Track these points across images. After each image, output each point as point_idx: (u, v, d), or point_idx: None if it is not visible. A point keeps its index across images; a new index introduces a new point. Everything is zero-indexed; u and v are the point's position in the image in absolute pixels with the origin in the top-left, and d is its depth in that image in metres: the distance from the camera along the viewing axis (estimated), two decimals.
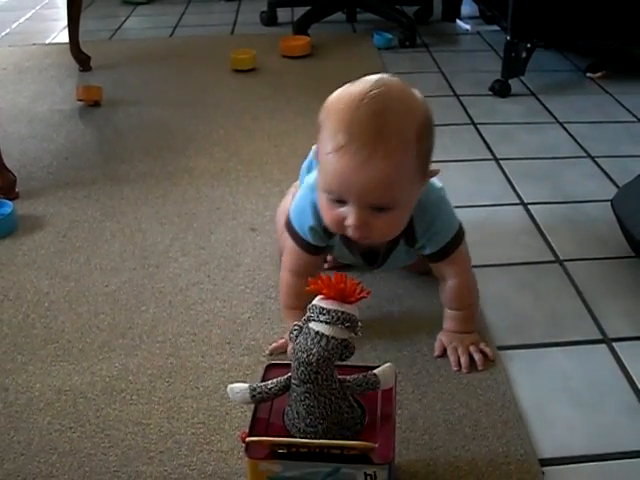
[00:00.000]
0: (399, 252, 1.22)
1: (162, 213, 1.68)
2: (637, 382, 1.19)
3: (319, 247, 1.22)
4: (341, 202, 1.04)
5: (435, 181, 1.18)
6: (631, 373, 1.21)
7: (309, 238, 1.19)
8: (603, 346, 1.27)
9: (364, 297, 0.85)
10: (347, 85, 1.05)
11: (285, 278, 1.27)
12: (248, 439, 0.84)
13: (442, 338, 1.24)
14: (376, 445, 0.82)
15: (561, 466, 1.04)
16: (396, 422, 0.92)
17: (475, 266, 1.45)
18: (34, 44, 3.07)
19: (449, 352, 1.22)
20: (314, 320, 0.84)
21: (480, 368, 1.20)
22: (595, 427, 1.10)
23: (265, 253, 1.51)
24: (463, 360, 1.20)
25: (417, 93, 1.06)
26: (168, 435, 1.08)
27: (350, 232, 1.06)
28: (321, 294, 0.85)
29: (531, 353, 1.26)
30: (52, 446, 1.06)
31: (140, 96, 2.41)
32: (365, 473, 0.83)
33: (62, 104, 2.34)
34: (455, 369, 1.19)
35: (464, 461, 1.03)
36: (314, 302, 0.86)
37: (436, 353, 1.23)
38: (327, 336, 0.83)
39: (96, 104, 2.31)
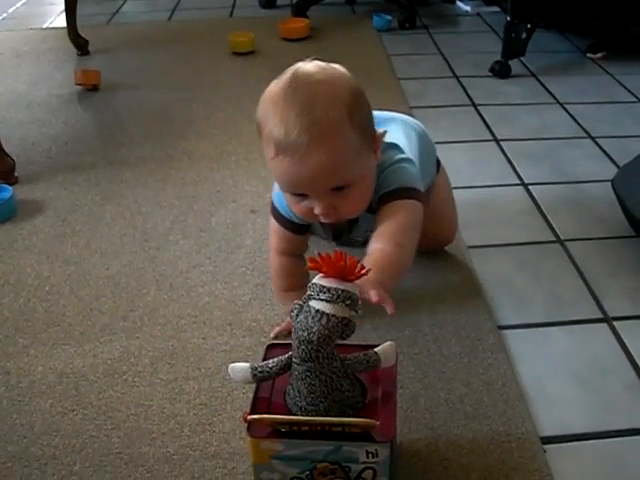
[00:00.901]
0: (361, 219, 1.18)
1: (162, 196, 1.68)
2: (637, 361, 1.19)
3: (303, 225, 1.22)
4: (303, 195, 1.06)
5: (397, 152, 1.15)
6: (631, 352, 1.21)
7: (293, 217, 1.19)
8: (604, 325, 1.27)
9: (364, 275, 0.85)
10: (271, 84, 1.05)
11: (274, 260, 1.28)
12: (250, 417, 0.85)
13: None
14: (377, 422, 0.82)
15: (562, 444, 1.04)
16: (397, 401, 0.93)
17: (476, 246, 1.47)
18: (31, 29, 3.06)
19: None
20: (314, 298, 0.84)
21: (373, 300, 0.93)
22: (596, 405, 1.11)
23: (265, 235, 1.50)
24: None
25: (338, 69, 1.06)
26: (170, 416, 1.08)
27: (322, 219, 1.08)
28: (321, 272, 0.85)
29: (532, 332, 1.26)
30: (54, 428, 1.06)
31: (139, 80, 2.40)
32: (367, 451, 0.83)
33: (60, 89, 2.33)
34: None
35: (465, 440, 1.03)
36: (314, 280, 0.86)
37: None
38: (328, 314, 0.82)
39: (94, 88, 2.30)
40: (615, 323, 1.28)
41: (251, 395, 0.96)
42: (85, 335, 1.25)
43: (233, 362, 1.14)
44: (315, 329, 0.82)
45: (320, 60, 1.07)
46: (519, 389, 1.12)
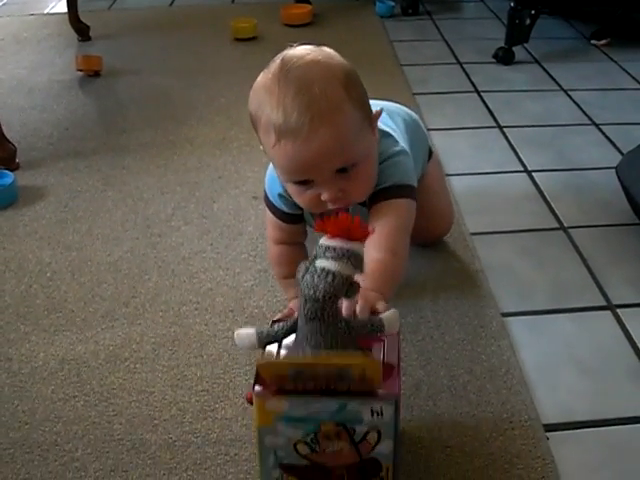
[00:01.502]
0: (354, 210, 1.13)
1: (164, 182, 1.67)
2: None
3: (294, 215, 1.19)
4: (308, 183, 1.02)
5: (392, 143, 1.14)
6: (635, 339, 1.21)
7: (283, 207, 1.18)
8: (607, 313, 1.27)
9: (369, 234, 0.84)
10: (260, 76, 1.04)
11: (272, 249, 1.26)
12: (258, 364, 0.83)
13: None
14: (379, 362, 0.83)
15: (565, 431, 1.04)
16: (401, 387, 0.92)
17: (479, 233, 1.46)
18: (32, 14, 3.04)
19: None
20: (320, 258, 0.84)
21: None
22: (599, 393, 1.11)
23: None
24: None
25: (329, 51, 1.04)
26: (172, 403, 1.08)
27: (330, 206, 1.04)
28: (327, 233, 0.85)
29: (535, 319, 1.26)
30: (56, 415, 1.06)
31: (140, 65, 2.39)
32: (372, 409, 0.81)
33: (61, 74, 2.32)
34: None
35: (468, 427, 1.03)
36: (320, 242, 0.85)
37: None
38: (333, 272, 0.81)
39: (96, 74, 2.29)
40: (619, 311, 1.27)
41: (252, 381, 0.96)
42: (87, 321, 1.25)
43: (235, 348, 1.15)
44: (321, 287, 0.81)
45: (304, 45, 1.05)
46: (522, 376, 1.12)
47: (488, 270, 1.36)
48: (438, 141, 1.77)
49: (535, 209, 1.57)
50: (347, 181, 1.02)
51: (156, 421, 1.05)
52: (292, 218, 1.20)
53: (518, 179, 1.69)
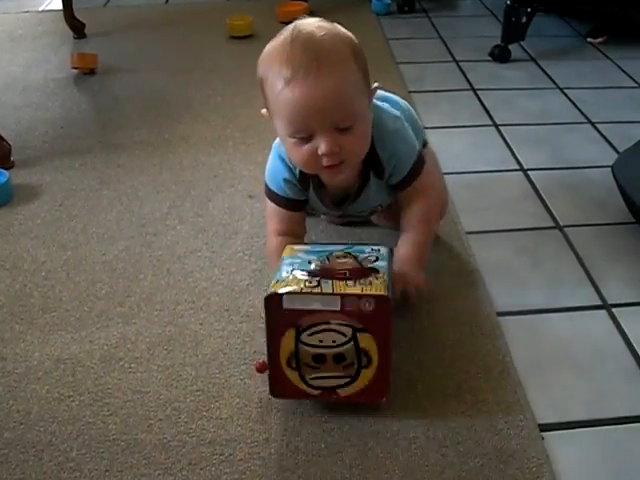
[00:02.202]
0: (370, 189, 1.24)
1: (159, 181, 1.67)
2: (636, 348, 1.19)
3: (298, 201, 1.25)
4: (307, 138, 1.08)
5: (390, 109, 1.23)
6: (630, 339, 1.21)
7: (288, 192, 1.23)
8: (603, 312, 1.27)
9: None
10: (270, 43, 1.11)
11: (272, 242, 1.27)
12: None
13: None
14: None
15: (560, 431, 1.04)
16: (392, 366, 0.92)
17: (474, 232, 1.46)
18: (27, 11, 3.03)
19: None
20: None
21: (411, 301, 1.19)
22: (594, 392, 1.11)
23: (263, 220, 1.49)
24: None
25: (335, 23, 1.12)
26: (167, 403, 1.08)
27: (325, 162, 1.09)
28: None
29: (531, 319, 1.26)
30: (51, 415, 1.06)
31: (136, 63, 2.38)
32: (372, 248, 1.08)
33: (57, 72, 2.31)
34: None
35: (464, 427, 1.03)
36: None
37: None
38: None
39: (91, 72, 2.28)
40: (614, 310, 1.27)
41: (248, 381, 1.00)
42: (81, 321, 1.25)
43: (230, 348, 1.16)
44: None
45: None
46: (517, 376, 1.12)
47: (483, 269, 1.36)
48: (434, 139, 1.76)
49: (531, 208, 1.57)
50: (344, 138, 1.08)
51: (151, 421, 1.04)
52: (295, 205, 1.25)
53: (514, 178, 1.69)
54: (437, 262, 1.36)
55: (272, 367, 1.02)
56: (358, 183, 1.24)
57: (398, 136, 1.20)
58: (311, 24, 1.09)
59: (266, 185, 1.26)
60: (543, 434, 1.03)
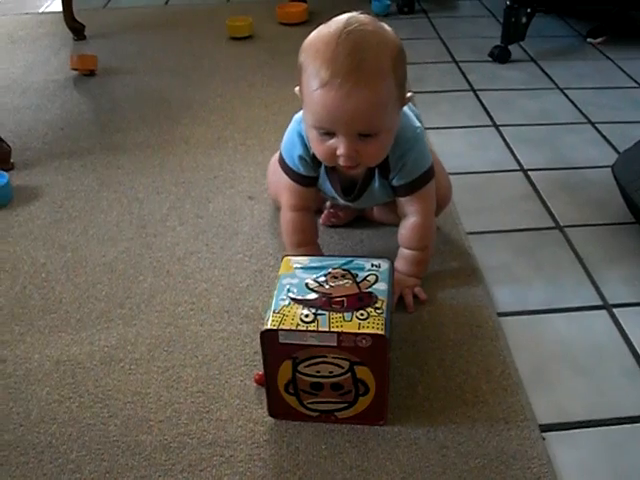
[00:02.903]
0: (374, 186, 1.27)
1: (159, 182, 1.67)
2: (637, 348, 1.19)
3: (310, 177, 1.27)
4: (330, 135, 1.10)
5: (414, 119, 1.25)
6: (631, 339, 1.21)
7: (300, 169, 1.25)
8: (603, 312, 1.27)
9: None
10: (321, 26, 1.11)
11: (287, 216, 1.31)
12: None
13: None
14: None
15: (561, 431, 1.04)
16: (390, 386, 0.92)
17: (475, 232, 1.46)
18: (27, 13, 3.03)
19: None
20: None
21: (409, 311, 1.24)
22: (595, 393, 1.10)
23: (263, 221, 1.50)
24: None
25: (387, 27, 1.13)
26: (167, 404, 1.07)
27: (341, 161, 1.12)
28: None
29: (531, 319, 1.25)
30: (51, 416, 1.06)
31: (136, 65, 2.38)
32: (372, 263, 1.07)
33: (56, 74, 2.31)
34: None
35: (464, 427, 1.03)
36: None
37: None
38: None
39: (91, 73, 2.28)
40: (615, 310, 1.27)
41: (248, 382, 1.00)
42: (82, 322, 1.24)
43: (230, 349, 1.15)
44: None
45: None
46: (518, 376, 1.12)
47: (484, 270, 1.36)
48: (434, 140, 1.77)
49: (531, 208, 1.57)
50: (364, 145, 1.10)
51: (151, 422, 1.04)
52: (307, 181, 1.27)
53: (514, 178, 1.69)
54: (438, 263, 1.36)
55: (270, 391, 1.01)
56: (363, 178, 1.26)
57: (412, 144, 1.21)
58: (363, 24, 1.08)
59: (281, 156, 1.28)
60: (544, 435, 1.02)
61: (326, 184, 1.29)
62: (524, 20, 2.37)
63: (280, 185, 1.33)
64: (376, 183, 1.26)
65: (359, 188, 1.27)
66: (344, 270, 1.06)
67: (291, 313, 0.97)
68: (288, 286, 1.02)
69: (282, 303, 0.99)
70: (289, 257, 1.10)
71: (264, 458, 0.98)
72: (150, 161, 1.76)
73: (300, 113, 1.21)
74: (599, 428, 1.05)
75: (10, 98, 2.14)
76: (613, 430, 1.04)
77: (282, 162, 1.28)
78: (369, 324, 0.95)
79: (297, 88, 1.14)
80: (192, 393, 1.09)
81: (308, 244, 1.31)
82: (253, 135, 1.87)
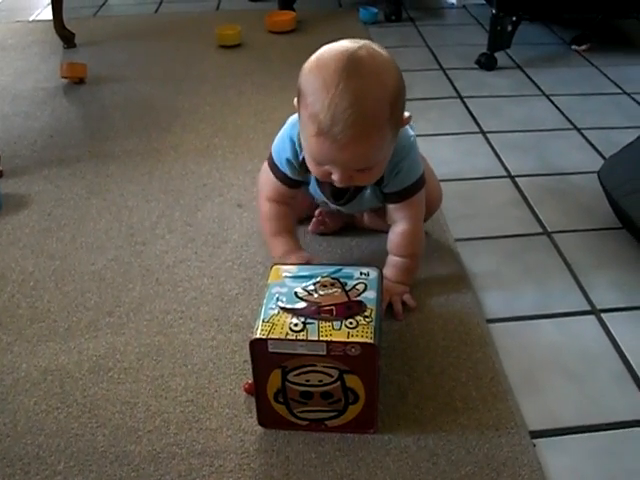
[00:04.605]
0: (365, 192, 1.28)
1: (148, 190, 1.66)
2: (626, 352, 1.19)
3: (296, 181, 1.28)
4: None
5: (409, 130, 1.25)
6: (620, 344, 1.21)
7: (287, 171, 1.26)
8: (592, 317, 1.27)
9: None
10: (323, 51, 1.10)
11: (265, 206, 1.33)
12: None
13: None
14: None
15: (552, 438, 1.04)
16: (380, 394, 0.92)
17: (463, 239, 1.47)
18: (17, 21, 3.02)
19: None
20: None
21: (398, 318, 1.24)
22: (585, 398, 1.11)
23: (252, 229, 1.50)
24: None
25: (388, 60, 1.10)
26: (156, 414, 1.07)
27: (336, 184, 1.14)
28: None
29: (520, 325, 1.26)
30: (39, 427, 1.05)
31: (125, 73, 2.37)
32: (361, 272, 1.08)
33: (46, 81, 2.31)
34: None
35: (455, 434, 1.03)
36: None
37: None
38: None
39: (81, 81, 2.28)
40: (603, 315, 1.28)
41: (238, 391, 1.00)
42: (70, 331, 1.24)
43: (220, 358, 1.15)
44: None
45: (369, 45, 1.10)
46: (508, 383, 1.12)
47: (472, 276, 1.36)
48: (422, 147, 1.75)
49: (519, 214, 1.58)
50: (359, 174, 1.13)
51: (140, 432, 1.04)
52: (292, 182, 1.28)
53: (502, 184, 1.70)
54: (426, 270, 1.36)
55: (260, 401, 1.01)
56: (355, 187, 1.26)
57: (407, 152, 1.22)
58: (366, 62, 1.06)
59: (270, 156, 1.29)
60: (534, 441, 1.03)
61: (316, 190, 1.29)
62: (510, 28, 2.38)
63: (263, 177, 1.33)
64: (367, 190, 1.27)
65: (350, 194, 1.28)
66: (333, 279, 1.06)
67: (280, 322, 0.97)
68: (277, 295, 1.02)
69: (271, 312, 0.99)
70: (278, 266, 1.10)
71: (254, 468, 0.98)
72: (139, 169, 1.76)
73: (295, 116, 1.20)
74: (589, 434, 1.05)
75: None
76: (603, 435, 1.05)
77: (270, 160, 1.29)
78: (358, 333, 0.95)
79: (295, 100, 1.13)
80: (181, 402, 1.09)
81: (283, 232, 1.32)
82: (242, 143, 1.87)
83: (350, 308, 1.00)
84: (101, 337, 1.22)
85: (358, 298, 1.02)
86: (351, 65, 1.04)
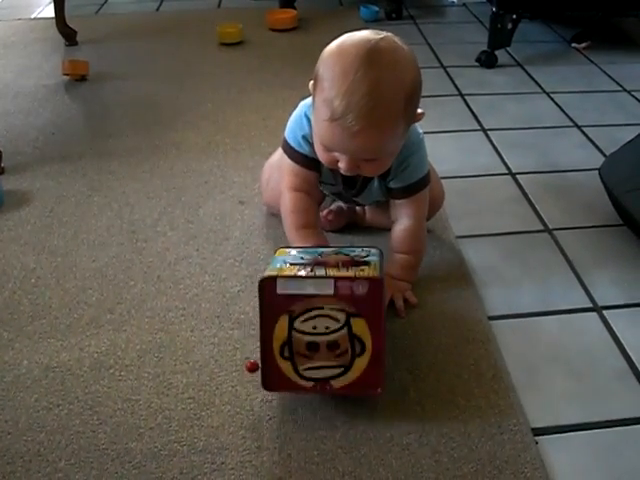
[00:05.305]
0: (373, 185, 1.29)
1: (150, 187, 1.66)
2: (628, 349, 1.19)
3: (314, 160, 1.25)
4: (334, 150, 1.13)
5: (418, 127, 1.26)
6: (621, 340, 1.21)
7: (305, 149, 1.25)
8: (593, 314, 1.27)
9: None
10: (345, 38, 1.11)
11: (288, 197, 1.30)
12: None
13: None
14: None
15: (554, 435, 1.04)
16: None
17: (464, 236, 1.47)
18: (19, 19, 3.02)
19: None
20: None
21: (400, 315, 1.24)
22: (587, 395, 1.11)
23: (254, 226, 1.50)
24: None
25: (408, 55, 1.11)
26: (158, 411, 1.07)
27: (342, 171, 1.15)
28: None
29: (522, 322, 1.26)
30: (40, 424, 1.05)
31: (127, 70, 2.37)
32: (362, 247, 1.11)
33: (48, 79, 2.31)
34: None
35: (457, 432, 1.02)
36: None
37: None
38: None
39: (82, 79, 2.27)
40: (605, 312, 1.28)
41: (240, 388, 0.99)
42: (71, 328, 1.24)
43: (221, 355, 1.15)
44: None
45: (391, 37, 1.11)
46: (510, 380, 1.12)
47: (474, 273, 1.36)
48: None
49: (520, 211, 1.58)
50: (366, 164, 1.13)
51: (141, 430, 1.04)
52: (311, 163, 1.26)
53: (502, 182, 1.70)
54: (428, 267, 1.36)
55: (265, 357, 1.01)
56: (362, 179, 1.27)
57: (416, 148, 1.24)
58: (386, 54, 1.06)
59: (285, 141, 1.29)
60: (537, 438, 1.02)
61: (327, 173, 1.29)
62: (510, 26, 2.39)
63: (281, 170, 1.33)
64: (375, 183, 1.28)
65: (361, 183, 1.29)
66: (334, 251, 1.11)
67: (288, 269, 1.01)
68: (284, 259, 1.06)
69: (279, 265, 1.03)
70: (283, 248, 1.14)
71: (256, 465, 0.98)
72: (141, 166, 1.76)
73: (309, 99, 1.21)
74: (592, 431, 1.05)
75: (1, 103, 2.14)
76: (606, 433, 1.05)
77: (286, 145, 1.29)
78: (364, 273, 0.99)
79: (311, 83, 1.14)
80: (183, 399, 1.09)
81: (309, 226, 1.29)
82: (244, 140, 1.87)
83: (356, 264, 1.04)
84: (102, 334, 1.22)
85: (362, 260, 1.06)
86: (371, 55, 1.05)
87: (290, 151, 1.28)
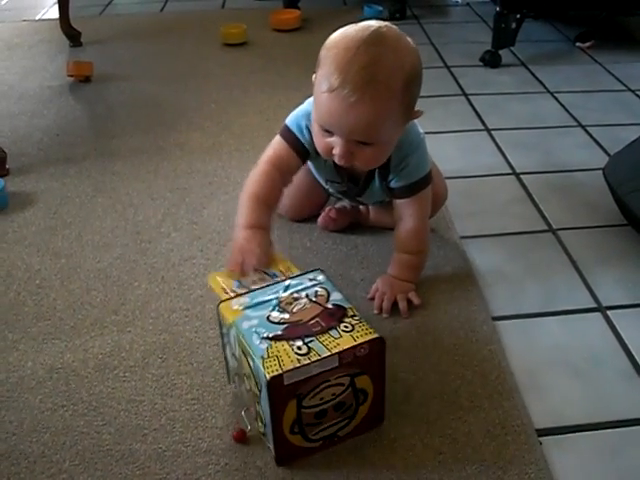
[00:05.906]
0: (375, 185, 1.30)
1: (154, 188, 1.67)
2: (632, 350, 1.19)
3: (303, 148, 1.26)
4: (330, 133, 1.13)
5: (419, 127, 1.28)
6: (626, 341, 1.21)
7: (304, 136, 1.25)
8: (598, 314, 1.27)
9: None
10: (348, 26, 1.12)
11: (262, 169, 1.26)
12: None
13: (378, 282, 1.29)
14: None
15: (558, 436, 1.04)
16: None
17: (468, 237, 1.46)
18: (24, 20, 3.03)
19: (376, 296, 1.27)
20: None
21: (404, 316, 1.24)
22: (591, 396, 1.10)
23: None
24: (384, 305, 1.25)
25: (410, 44, 1.13)
26: (162, 412, 1.07)
27: (336, 159, 1.16)
28: None
29: (526, 323, 1.25)
30: (44, 425, 1.05)
31: (131, 71, 2.38)
32: (308, 278, 1.06)
33: (52, 80, 2.31)
34: (375, 312, 1.25)
35: (461, 433, 1.02)
36: None
37: (369, 295, 1.29)
38: None
39: (87, 80, 2.28)
40: (609, 312, 1.27)
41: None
42: (76, 329, 1.24)
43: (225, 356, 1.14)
44: None
45: (395, 28, 1.13)
46: (514, 381, 1.12)
47: (478, 274, 1.36)
48: (426, 144, 1.76)
49: (524, 211, 1.57)
50: (360, 150, 1.13)
51: (145, 431, 1.04)
52: (301, 149, 1.26)
53: (506, 181, 1.70)
54: (432, 267, 1.36)
55: (276, 438, 0.96)
56: (365, 176, 1.29)
57: (415, 147, 1.24)
58: (387, 39, 1.09)
59: (284, 126, 1.28)
60: (541, 439, 1.02)
61: (330, 168, 1.30)
62: (514, 25, 2.39)
63: (271, 144, 1.29)
64: (376, 182, 1.29)
65: (363, 181, 1.30)
66: (291, 294, 1.03)
67: (282, 352, 0.93)
68: (252, 328, 0.97)
69: (263, 347, 0.94)
70: (225, 302, 1.03)
71: (260, 466, 0.98)
72: (145, 167, 1.76)
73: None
74: (596, 432, 1.05)
75: (6, 104, 2.14)
76: (610, 433, 1.04)
77: (284, 129, 1.28)
78: (359, 333, 0.95)
79: (314, 75, 1.15)
80: (187, 400, 1.09)
81: (263, 203, 1.22)
82: (247, 141, 1.87)
83: (333, 315, 0.98)
84: (107, 335, 1.22)
85: (330, 303, 1.01)
86: (374, 36, 1.08)
87: (287, 133, 1.27)
